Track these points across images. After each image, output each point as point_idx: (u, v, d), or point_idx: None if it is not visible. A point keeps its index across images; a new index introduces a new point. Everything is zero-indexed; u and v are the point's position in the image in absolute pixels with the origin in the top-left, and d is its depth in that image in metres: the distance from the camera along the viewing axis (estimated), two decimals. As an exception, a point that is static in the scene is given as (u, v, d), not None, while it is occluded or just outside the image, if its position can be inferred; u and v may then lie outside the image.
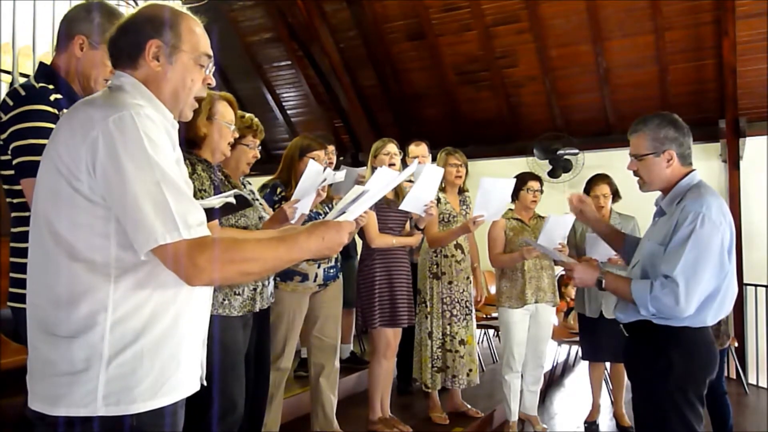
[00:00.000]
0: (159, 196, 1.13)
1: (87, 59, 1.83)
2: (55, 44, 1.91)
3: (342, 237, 1.31)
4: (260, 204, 2.69)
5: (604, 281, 2.14)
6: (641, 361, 2.15)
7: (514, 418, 3.77)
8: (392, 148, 3.43)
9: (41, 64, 1.89)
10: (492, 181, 3.31)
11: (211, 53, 1.36)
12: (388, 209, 3.34)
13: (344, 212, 1.39)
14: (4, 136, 1.73)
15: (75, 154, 1.15)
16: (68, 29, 1.84)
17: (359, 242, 3.46)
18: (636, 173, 2.18)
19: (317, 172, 2.62)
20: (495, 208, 3.43)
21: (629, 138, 2.19)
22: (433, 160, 3.94)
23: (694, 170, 2.13)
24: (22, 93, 1.75)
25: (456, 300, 3.64)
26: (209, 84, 1.38)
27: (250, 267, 1.21)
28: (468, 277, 3.72)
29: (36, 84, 1.77)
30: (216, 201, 1.49)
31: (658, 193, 2.21)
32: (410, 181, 3.53)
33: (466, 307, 3.68)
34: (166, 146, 1.19)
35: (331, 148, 3.96)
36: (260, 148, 2.64)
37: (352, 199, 1.45)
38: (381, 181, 1.51)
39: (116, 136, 1.14)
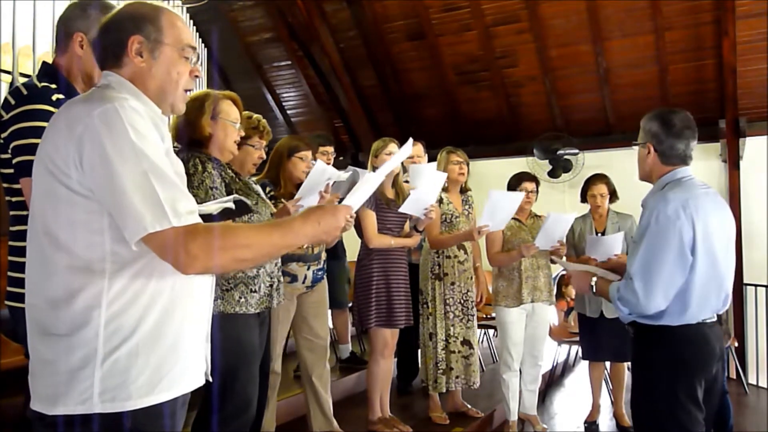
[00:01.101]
0: (146, 185, 1.13)
1: (88, 56, 1.81)
2: (55, 45, 1.90)
3: (339, 221, 1.30)
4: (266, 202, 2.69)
5: (595, 286, 2.22)
6: (635, 360, 2.21)
7: (514, 417, 3.77)
8: (393, 147, 3.42)
9: (44, 63, 1.89)
10: (501, 194, 3.38)
11: (195, 44, 1.37)
12: (387, 210, 3.33)
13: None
14: (5, 134, 1.73)
15: (63, 151, 1.16)
16: (66, 28, 1.84)
17: (351, 243, 3.45)
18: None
19: (322, 171, 2.61)
20: (500, 219, 3.48)
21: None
22: (432, 160, 3.93)
23: (676, 169, 2.13)
24: (24, 92, 1.75)
25: (459, 301, 3.63)
26: (197, 75, 1.38)
27: (244, 253, 1.20)
28: (471, 278, 3.71)
29: (38, 83, 1.77)
30: (214, 207, 1.47)
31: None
32: (406, 181, 3.53)
33: (471, 308, 3.67)
34: (153, 137, 1.19)
35: (331, 149, 3.93)
36: (266, 148, 2.64)
37: (356, 187, 1.43)
38: (378, 174, 1.48)
39: (101, 129, 1.14)
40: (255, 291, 2.29)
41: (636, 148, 2.23)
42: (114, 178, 1.13)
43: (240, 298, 2.24)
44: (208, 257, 1.15)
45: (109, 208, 1.15)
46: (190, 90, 1.38)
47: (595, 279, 2.24)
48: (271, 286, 2.37)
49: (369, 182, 1.44)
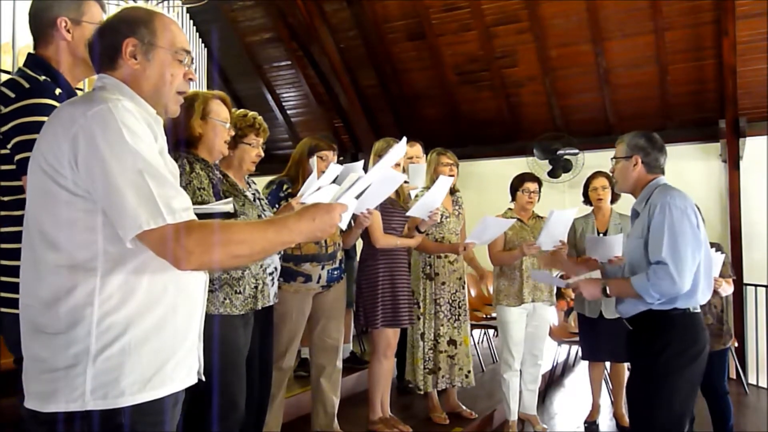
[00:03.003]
0: (141, 183, 1.15)
1: (78, 36, 1.76)
2: (35, 40, 1.81)
3: (333, 218, 1.30)
4: (264, 203, 2.68)
5: (608, 289, 2.42)
6: (641, 348, 2.38)
7: (514, 417, 3.77)
8: (396, 148, 3.42)
9: (31, 55, 1.78)
10: (493, 219, 3.46)
11: (189, 48, 1.38)
12: (392, 210, 3.34)
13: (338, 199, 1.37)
14: (5, 128, 1.65)
15: (58, 151, 1.18)
16: (46, 18, 1.76)
17: (359, 243, 3.45)
18: (613, 174, 2.58)
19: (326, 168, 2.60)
20: (486, 238, 3.59)
21: (616, 146, 2.55)
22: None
23: (658, 177, 2.46)
24: (26, 85, 1.67)
25: (448, 301, 3.64)
26: (191, 78, 1.39)
27: (238, 249, 1.21)
28: (461, 278, 3.72)
29: (39, 77, 1.69)
30: (217, 208, 1.49)
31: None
32: (406, 182, 3.53)
33: (459, 308, 3.68)
34: (146, 136, 1.21)
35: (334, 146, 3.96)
36: (264, 146, 2.62)
37: (347, 187, 1.43)
38: (374, 173, 1.47)
39: (95, 129, 1.16)
40: (239, 292, 2.28)
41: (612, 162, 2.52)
42: (109, 177, 1.14)
43: (225, 299, 2.23)
44: (203, 253, 1.16)
45: (104, 206, 1.16)
46: (183, 93, 1.40)
47: (602, 284, 2.44)
48: (256, 287, 2.36)
49: (363, 180, 1.42)
